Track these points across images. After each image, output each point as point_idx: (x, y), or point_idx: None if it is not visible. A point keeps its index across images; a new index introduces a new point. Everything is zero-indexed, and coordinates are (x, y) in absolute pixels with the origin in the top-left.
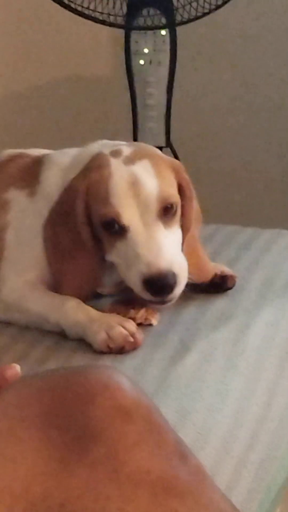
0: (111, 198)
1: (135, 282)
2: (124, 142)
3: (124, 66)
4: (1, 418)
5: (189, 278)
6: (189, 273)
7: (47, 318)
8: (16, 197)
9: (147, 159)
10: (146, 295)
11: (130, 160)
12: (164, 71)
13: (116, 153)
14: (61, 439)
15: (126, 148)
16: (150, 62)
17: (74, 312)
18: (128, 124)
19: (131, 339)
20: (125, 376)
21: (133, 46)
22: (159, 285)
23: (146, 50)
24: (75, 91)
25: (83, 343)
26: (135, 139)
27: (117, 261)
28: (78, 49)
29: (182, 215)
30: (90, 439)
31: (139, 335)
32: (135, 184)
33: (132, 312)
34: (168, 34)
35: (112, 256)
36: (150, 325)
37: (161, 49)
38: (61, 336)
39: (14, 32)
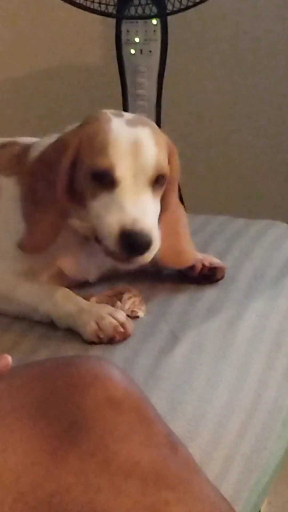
0: (109, 149)
1: (111, 233)
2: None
3: (115, 55)
4: None
5: (165, 263)
6: (167, 256)
7: (36, 308)
8: (5, 185)
9: (149, 127)
10: (117, 249)
11: (132, 123)
12: (155, 60)
13: (117, 114)
14: (52, 429)
15: (128, 114)
16: (141, 51)
17: (63, 303)
18: None
19: (121, 329)
20: (115, 367)
21: (124, 36)
22: (137, 241)
23: (137, 40)
24: (66, 80)
25: (73, 333)
26: None
27: (95, 212)
28: (69, 38)
29: (164, 192)
30: (81, 430)
31: (129, 325)
32: (135, 144)
33: (118, 304)
34: (159, 24)
35: (91, 207)
36: (137, 317)
37: (152, 38)
38: (50, 326)
39: (4, 21)
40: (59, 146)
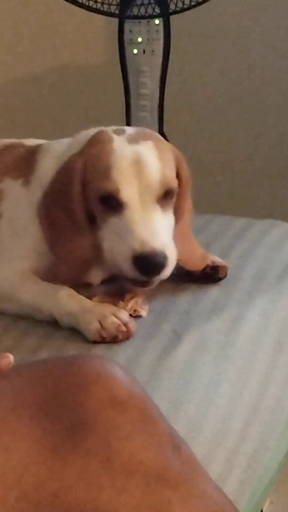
0: (112, 172)
1: (125, 258)
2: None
3: (118, 55)
4: None
5: (181, 265)
6: (181, 260)
7: (39, 308)
8: (11, 187)
9: (151, 140)
10: (134, 273)
11: (134, 139)
12: (158, 60)
13: (118, 132)
14: (54, 428)
15: (129, 129)
16: (144, 51)
17: (66, 302)
18: (121, 113)
19: (124, 329)
20: (118, 366)
21: (126, 35)
22: (150, 263)
23: (139, 39)
24: (68, 80)
25: (76, 333)
26: None
27: (107, 237)
28: (71, 37)
29: (177, 202)
30: (83, 429)
31: (132, 324)
32: (138, 163)
33: (121, 304)
34: (162, 23)
35: (103, 232)
36: (139, 316)
37: (155, 38)
38: (53, 325)
39: (7, 21)
40: (66, 173)
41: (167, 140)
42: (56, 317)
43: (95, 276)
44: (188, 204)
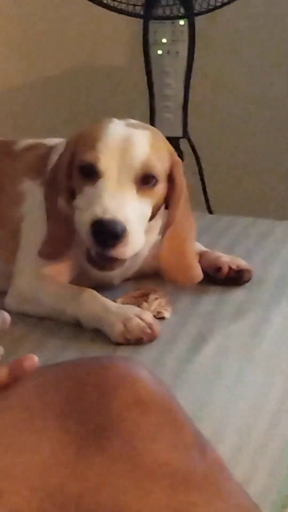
0: (97, 144)
1: (85, 223)
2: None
3: (142, 56)
4: (19, 408)
5: (173, 279)
6: (174, 272)
7: (62, 310)
8: (30, 188)
9: (151, 132)
10: (89, 241)
11: (133, 126)
12: (182, 61)
13: (125, 120)
14: (79, 430)
15: (137, 122)
16: (168, 52)
17: (90, 304)
18: (146, 114)
19: (149, 331)
20: (144, 367)
21: (151, 36)
22: (106, 230)
23: (164, 40)
24: (93, 81)
25: (100, 334)
26: None
27: (79, 206)
28: (96, 38)
29: (169, 208)
30: (108, 430)
31: (157, 326)
32: (126, 141)
33: (144, 305)
34: (187, 24)
35: (77, 202)
36: (163, 318)
37: (179, 39)
38: (77, 326)
39: (32, 22)
40: (63, 152)
41: (191, 141)
42: (79, 319)
43: (116, 276)
44: (179, 211)
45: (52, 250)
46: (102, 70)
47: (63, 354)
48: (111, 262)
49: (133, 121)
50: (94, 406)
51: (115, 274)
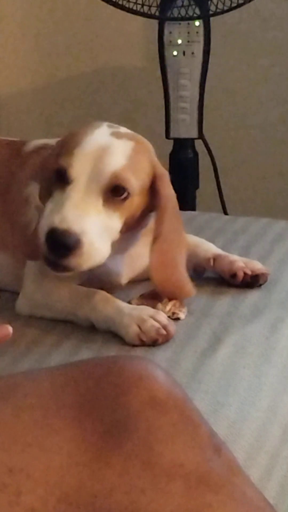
0: (74, 150)
1: (42, 230)
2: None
3: (157, 57)
4: (36, 407)
5: (165, 294)
6: (165, 287)
7: (75, 313)
8: (37, 190)
9: (134, 143)
10: (44, 248)
11: (118, 135)
12: (198, 62)
13: (112, 127)
14: (96, 429)
15: (127, 130)
16: (184, 53)
17: (103, 306)
18: (161, 115)
19: (164, 332)
20: (160, 368)
21: (166, 37)
22: (58, 240)
23: (179, 41)
24: (108, 82)
25: (114, 335)
26: (167, 131)
27: (46, 209)
28: (111, 39)
29: (155, 222)
30: (125, 430)
31: (172, 327)
32: (102, 150)
33: (159, 306)
34: (202, 25)
35: (47, 204)
36: (178, 319)
37: (194, 40)
38: (91, 328)
39: (47, 24)
40: (50, 152)
41: (206, 142)
42: (93, 322)
43: (123, 276)
44: (166, 225)
45: (32, 250)
46: (117, 71)
47: (78, 356)
48: (66, 268)
49: (123, 130)
50: (111, 406)
51: (122, 275)
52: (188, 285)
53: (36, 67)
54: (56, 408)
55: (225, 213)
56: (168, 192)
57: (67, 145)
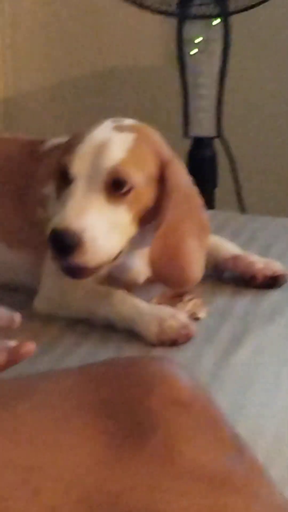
0: (75, 148)
1: (47, 232)
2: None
3: (175, 55)
4: (57, 406)
5: (164, 282)
6: (165, 276)
7: (94, 312)
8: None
9: (136, 135)
10: (52, 251)
11: (120, 129)
12: (217, 60)
13: (117, 121)
14: (117, 429)
15: (132, 122)
16: (203, 51)
17: (122, 306)
18: (179, 114)
19: (184, 331)
20: (182, 368)
21: (185, 35)
22: (58, 240)
23: (198, 39)
24: (126, 80)
25: (134, 335)
26: (186, 129)
27: (54, 210)
28: (129, 38)
29: (159, 210)
30: (146, 430)
31: (192, 327)
32: (101, 146)
33: (179, 306)
34: (221, 23)
35: (55, 205)
36: (198, 319)
37: (213, 38)
38: (111, 328)
39: (65, 22)
40: (59, 153)
41: (225, 141)
42: (112, 321)
43: (140, 275)
44: (170, 212)
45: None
46: (136, 69)
47: (97, 356)
48: (81, 271)
49: (128, 122)
50: (133, 405)
51: (139, 272)
52: (192, 273)
53: (54, 65)
54: (77, 407)
55: (244, 212)
56: (175, 178)
57: (70, 144)
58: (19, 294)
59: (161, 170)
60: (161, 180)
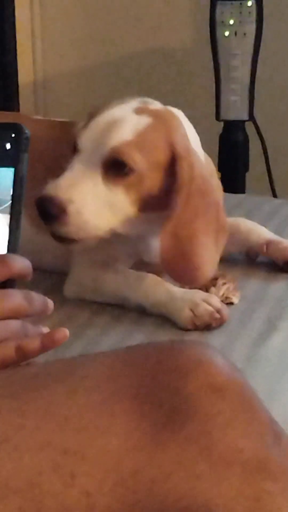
0: (88, 123)
1: (36, 199)
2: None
3: (208, 38)
4: (93, 391)
5: (174, 277)
6: (175, 272)
7: (125, 297)
8: None
9: (153, 120)
10: (38, 215)
11: (140, 111)
12: (250, 43)
13: (144, 102)
14: (154, 414)
15: (159, 107)
16: (235, 33)
17: (154, 290)
18: (211, 97)
19: (218, 316)
20: (218, 352)
21: (218, 17)
22: (44, 205)
23: (231, 21)
24: (158, 63)
25: (166, 319)
26: (218, 112)
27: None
28: (163, 20)
29: (170, 202)
30: (183, 415)
31: (225, 311)
32: (110, 124)
33: (212, 290)
34: (255, 5)
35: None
36: (231, 303)
37: (247, 20)
38: (142, 312)
39: (97, 4)
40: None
41: (257, 124)
42: (144, 306)
43: (151, 255)
44: (180, 206)
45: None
46: (169, 52)
47: (130, 340)
48: (66, 239)
49: (153, 106)
50: (169, 389)
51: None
52: (202, 272)
53: (85, 48)
54: (113, 392)
55: (275, 196)
56: (188, 172)
57: (90, 116)
58: (51, 278)
59: (173, 161)
60: (173, 172)
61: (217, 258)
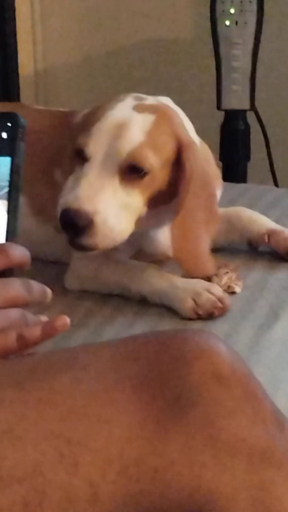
0: (92, 127)
1: (58, 209)
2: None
3: (209, 27)
4: (96, 379)
5: (184, 268)
6: (184, 260)
7: (127, 287)
8: None
9: (156, 116)
10: (62, 229)
11: (140, 108)
12: (251, 32)
13: (138, 99)
14: (157, 403)
15: (153, 101)
16: (236, 23)
17: (155, 280)
18: (212, 86)
19: (220, 305)
20: (222, 341)
21: (219, 6)
22: (69, 220)
23: (232, 11)
24: (160, 52)
25: (168, 309)
26: (219, 102)
27: (66, 186)
28: (161, 10)
29: (178, 195)
30: (186, 404)
31: (227, 300)
32: (120, 127)
33: (215, 279)
34: None
35: (68, 180)
36: (234, 292)
37: (247, 9)
38: (144, 302)
39: None
40: (77, 123)
41: (258, 113)
42: (145, 296)
43: (169, 249)
44: (188, 198)
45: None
46: (169, 41)
47: (132, 330)
48: (90, 249)
49: (149, 102)
50: (172, 378)
51: (168, 248)
52: (209, 264)
53: (85, 39)
54: (116, 381)
55: (276, 185)
56: (193, 164)
57: (88, 121)
58: (53, 268)
59: (179, 153)
60: (177, 163)
61: (208, 248)
